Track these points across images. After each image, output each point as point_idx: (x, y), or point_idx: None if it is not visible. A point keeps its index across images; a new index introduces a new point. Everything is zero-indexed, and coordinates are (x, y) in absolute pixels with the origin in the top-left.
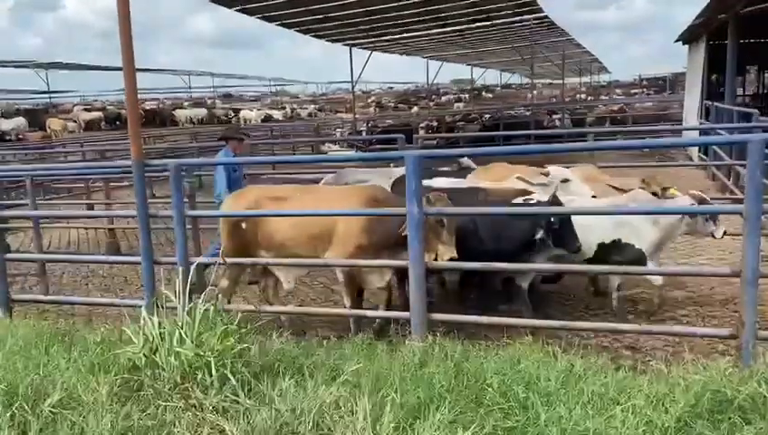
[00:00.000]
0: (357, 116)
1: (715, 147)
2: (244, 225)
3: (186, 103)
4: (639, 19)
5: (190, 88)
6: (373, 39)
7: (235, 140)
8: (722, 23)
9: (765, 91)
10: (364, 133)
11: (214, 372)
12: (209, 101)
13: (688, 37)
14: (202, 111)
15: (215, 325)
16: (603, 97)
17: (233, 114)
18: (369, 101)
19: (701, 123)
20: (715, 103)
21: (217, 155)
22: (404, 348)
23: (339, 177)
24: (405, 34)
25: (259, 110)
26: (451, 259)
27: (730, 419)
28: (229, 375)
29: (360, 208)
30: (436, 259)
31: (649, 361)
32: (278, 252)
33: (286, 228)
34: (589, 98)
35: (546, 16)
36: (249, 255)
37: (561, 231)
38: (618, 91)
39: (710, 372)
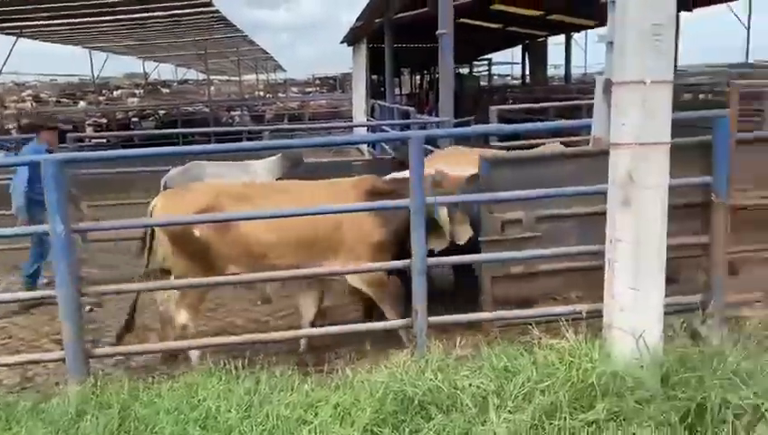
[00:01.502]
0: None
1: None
2: (198, 232)
3: None
4: (309, 20)
5: None
6: (20, 23)
7: (49, 131)
8: (379, 27)
9: (417, 91)
10: (15, 132)
11: None
12: None
13: (352, 39)
14: None
15: None
16: (281, 95)
17: None
18: (25, 94)
19: (369, 120)
20: (379, 102)
21: (22, 151)
22: (55, 398)
23: (185, 172)
24: (61, 21)
25: None
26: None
27: (412, 418)
28: None
29: (365, 202)
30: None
31: (335, 368)
32: (254, 266)
33: (267, 234)
34: (268, 95)
35: (217, 11)
36: (213, 272)
37: None
38: (294, 89)
39: (392, 369)
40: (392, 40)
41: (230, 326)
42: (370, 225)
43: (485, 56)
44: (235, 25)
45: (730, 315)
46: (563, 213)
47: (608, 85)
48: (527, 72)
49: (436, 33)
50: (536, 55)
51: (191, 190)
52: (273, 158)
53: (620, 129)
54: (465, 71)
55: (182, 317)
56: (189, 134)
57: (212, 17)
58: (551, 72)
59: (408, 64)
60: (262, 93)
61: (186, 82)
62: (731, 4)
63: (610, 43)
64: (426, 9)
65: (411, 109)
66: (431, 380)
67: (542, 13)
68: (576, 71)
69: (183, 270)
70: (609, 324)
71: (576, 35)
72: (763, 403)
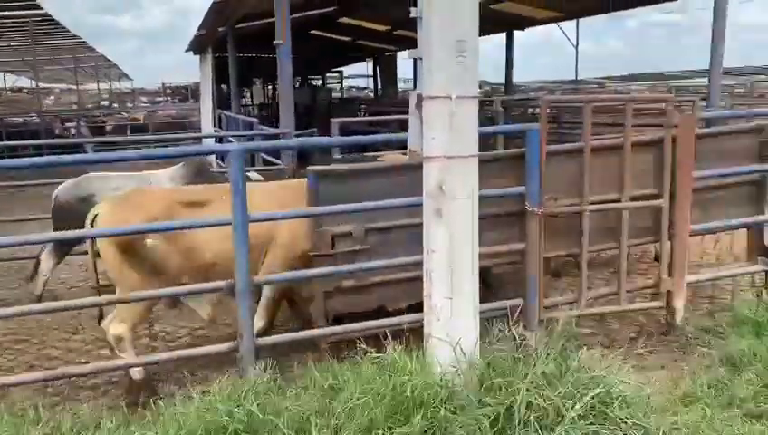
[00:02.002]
0: None
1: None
2: (150, 242)
3: None
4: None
5: None
6: None
7: None
8: (223, 35)
9: (270, 102)
10: None
11: None
12: None
13: (197, 48)
14: None
15: None
16: (129, 105)
17: None
18: None
19: (216, 131)
20: (225, 112)
21: None
22: None
23: (79, 185)
24: None
25: None
26: None
27: None
28: None
29: None
30: None
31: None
32: (204, 275)
33: (217, 242)
34: (114, 105)
35: (46, 13)
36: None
37: None
38: (143, 98)
39: (208, 398)
40: (236, 49)
41: (44, 359)
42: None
43: (339, 68)
44: (68, 30)
45: (546, 318)
46: (393, 225)
47: (419, 100)
48: (379, 86)
49: (273, 42)
50: (386, 69)
51: (140, 196)
52: (177, 166)
53: (430, 142)
54: (321, 83)
55: (119, 328)
56: (16, 147)
57: (42, 20)
58: (404, 85)
59: (260, 74)
60: (106, 103)
61: (20, 90)
62: (561, 25)
63: (421, 59)
64: (273, 19)
65: (254, 120)
66: (250, 406)
67: (388, 28)
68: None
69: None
70: (429, 334)
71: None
72: (564, 404)
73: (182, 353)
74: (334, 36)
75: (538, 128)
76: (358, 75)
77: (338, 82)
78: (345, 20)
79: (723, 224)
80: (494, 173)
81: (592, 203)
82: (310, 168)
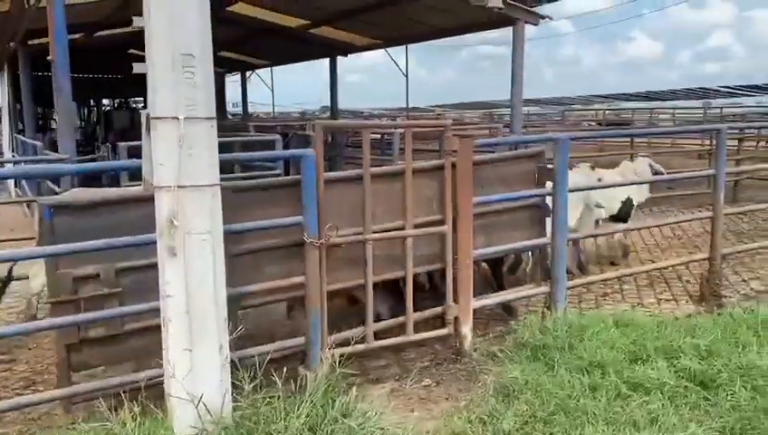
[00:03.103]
0: None
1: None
2: None
3: None
4: None
5: None
6: None
7: None
8: (14, 51)
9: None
10: None
11: None
12: None
13: None
14: None
15: None
16: None
17: None
18: None
19: (14, 156)
20: (20, 136)
21: None
22: None
23: None
24: None
25: None
26: None
27: None
28: None
29: None
30: None
31: None
32: None
33: None
34: None
35: None
36: None
37: None
38: None
39: None
40: (30, 68)
41: None
42: None
43: None
44: None
45: (330, 355)
46: (150, 263)
47: (148, 121)
48: None
49: (48, 58)
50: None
51: None
52: None
53: (159, 170)
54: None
55: None
56: None
57: None
58: (232, 109)
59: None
60: None
61: None
62: (390, 52)
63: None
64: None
65: (39, 144)
66: None
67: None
68: (263, 108)
69: None
70: (168, 392)
71: (261, 73)
72: None
73: None
74: None
75: (312, 153)
76: None
77: None
78: None
79: (507, 247)
80: (271, 202)
81: (378, 231)
82: (40, 199)
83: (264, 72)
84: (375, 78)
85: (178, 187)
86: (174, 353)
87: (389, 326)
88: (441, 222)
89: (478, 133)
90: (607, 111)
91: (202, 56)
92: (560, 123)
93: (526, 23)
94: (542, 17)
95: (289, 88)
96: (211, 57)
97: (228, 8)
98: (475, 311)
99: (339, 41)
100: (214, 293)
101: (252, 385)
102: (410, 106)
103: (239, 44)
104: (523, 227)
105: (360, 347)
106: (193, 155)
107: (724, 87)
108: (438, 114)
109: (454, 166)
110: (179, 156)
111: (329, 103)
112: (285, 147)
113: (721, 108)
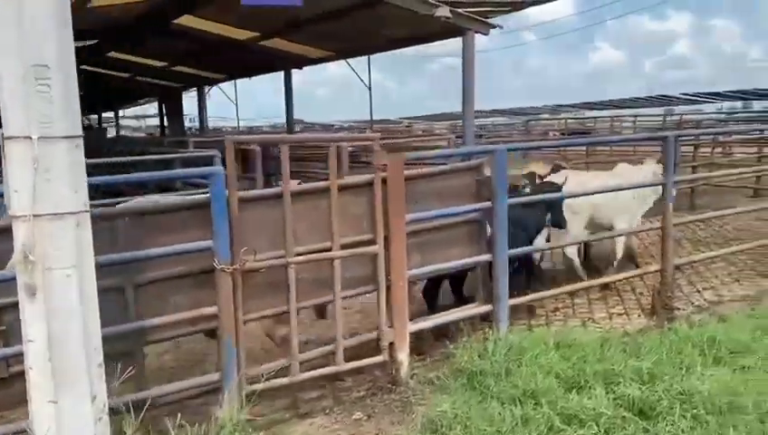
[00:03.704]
0: None
1: None
2: None
3: None
4: None
5: None
6: None
7: None
8: None
9: None
10: None
11: None
12: None
13: None
14: None
15: None
16: None
17: None
18: None
19: None
20: None
21: None
22: None
23: None
24: None
25: None
26: None
27: None
28: None
29: None
30: None
31: None
32: None
33: None
34: None
35: None
36: None
37: None
38: None
39: None
40: None
41: None
42: None
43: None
44: None
45: (249, 391)
46: None
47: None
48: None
49: None
50: (172, 107)
51: None
52: None
53: (14, 196)
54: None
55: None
56: None
57: None
58: (189, 124)
59: None
60: None
61: None
62: (355, 64)
63: None
64: None
65: None
66: None
67: (165, 63)
68: (230, 123)
69: None
70: None
71: (224, 87)
72: None
73: None
74: (111, 73)
75: (221, 171)
76: (146, 116)
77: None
78: (114, 54)
79: (444, 266)
80: (182, 225)
81: (304, 253)
82: None
83: (228, 86)
84: (345, 91)
85: (34, 216)
86: (36, 406)
87: (323, 354)
88: (372, 241)
89: (436, 144)
90: (569, 120)
91: (60, 67)
92: (525, 133)
93: (477, 33)
94: (493, 26)
95: (257, 101)
96: (74, 68)
97: (175, 21)
98: (414, 334)
99: (292, 53)
100: (83, 336)
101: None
102: (381, 118)
103: (193, 58)
104: (463, 244)
105: (284, 381)
106: (51, 179)
107: (684, 94)
108: (406, 126)
109: (385, 181)
110: (34, 180)
111: (296, 116)
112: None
113: (681, 115)
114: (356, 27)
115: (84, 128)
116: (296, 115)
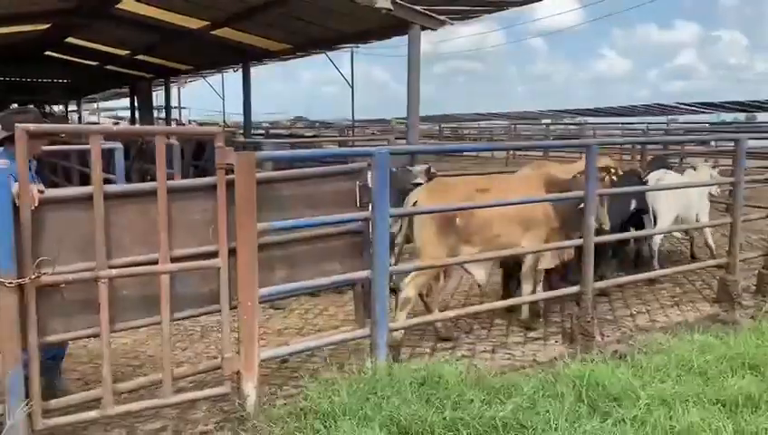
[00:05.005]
0: None
1: None
2: (459, 221)
3: None
4: None
5: None
6: None
7: None
8: None
9: None
10: None
11: None
12: None
13: None
14: None
15: None
16: None
17: None
18: None
19: None
20: None
21: None
22: None
23: None
24: None
25: None
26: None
27: None
28: None
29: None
30: None
31: None
32: (485, 246)
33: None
34: None
35: None
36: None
37: None
38: None
39: None
40: None
41: None
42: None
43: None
44: None
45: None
46: None
47: None
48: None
49: None
50: (142, 97)
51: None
52: None
53: None
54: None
55: (409, 292)
56: None
57: None
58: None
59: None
60: None
61: None
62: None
63: None
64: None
65: None
66: None
67: (128, 52)
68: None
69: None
70: None
71: (212, 80)
72: None
73: None
74: (78, 60)
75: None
76: (116, 108)
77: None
78: (73, 40)
79: (312, 284)
80: None
81: (128, 265)
82: None
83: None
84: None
85: None
86: None
87: (152, 383)
88: (215, 254)
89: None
90: (571, 127)
91: None
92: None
93: (424, 28)
94: (442, 22)
95: (264, 97)
96: None
97: (117, 5)
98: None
99: (256, 47)
100: None
101: None
102: (379, 118)
103: (153, 49)
104: (342, 258)
105: (92, 414)
106: None
107: (682, 104)
108: (393, 125)
109: (232, 184)
110: None
111: (301, 113)
112: (132, 157)
113: (667, 123)
114: (302, 19)
115: (44, 115)
116: (303, 113)
